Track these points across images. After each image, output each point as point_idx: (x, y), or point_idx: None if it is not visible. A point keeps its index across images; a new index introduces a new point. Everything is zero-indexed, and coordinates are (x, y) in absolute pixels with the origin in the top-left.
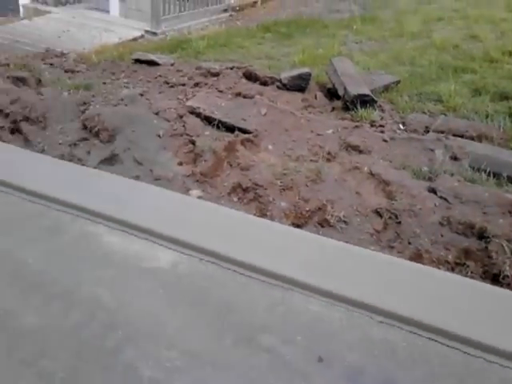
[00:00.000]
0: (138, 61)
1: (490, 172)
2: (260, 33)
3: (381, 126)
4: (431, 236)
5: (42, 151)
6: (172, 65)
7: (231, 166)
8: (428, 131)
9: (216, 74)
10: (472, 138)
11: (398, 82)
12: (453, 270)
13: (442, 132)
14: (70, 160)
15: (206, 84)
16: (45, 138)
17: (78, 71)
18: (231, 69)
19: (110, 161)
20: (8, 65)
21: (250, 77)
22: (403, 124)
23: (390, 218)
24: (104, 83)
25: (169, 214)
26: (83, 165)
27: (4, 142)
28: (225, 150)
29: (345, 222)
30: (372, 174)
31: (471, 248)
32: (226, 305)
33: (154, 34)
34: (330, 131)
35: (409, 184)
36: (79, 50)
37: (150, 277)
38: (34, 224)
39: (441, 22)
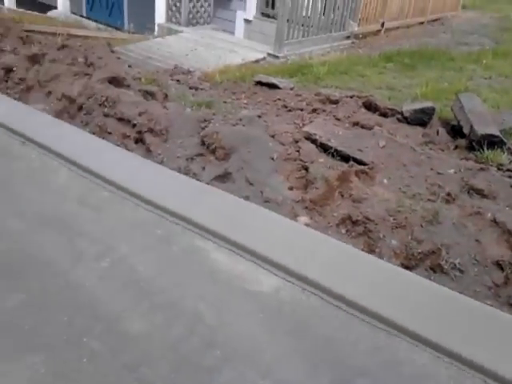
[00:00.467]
0: (259, 83)
1: None
2: (382, 62)
3: (509, 170)
4: None
5: (161, 162)
6: (291, 89)
7: (343, 196)
8: None
9: (335, 102)
10: None
11: None
12: None
13: None
14: (186, 173)
15: (324, 111)
16: (165, 150)
17: (201, 89)
18: (351, 97)
19: (222, 178)
20: (140, 79)
21: (370, 107)
22: None
23: None
24: (225, 102)
25: (275, 239)
26: (197, 179)
27: (128, 150)
28: (338, 180)
29: (460, 270)
30: (496, 222)
31: None
32: (326, 340)
33: (276, 57)
34: (452, 171)
35: None
36: (204, 69)
37: (252, 299)
38: (147, 232)
39: None
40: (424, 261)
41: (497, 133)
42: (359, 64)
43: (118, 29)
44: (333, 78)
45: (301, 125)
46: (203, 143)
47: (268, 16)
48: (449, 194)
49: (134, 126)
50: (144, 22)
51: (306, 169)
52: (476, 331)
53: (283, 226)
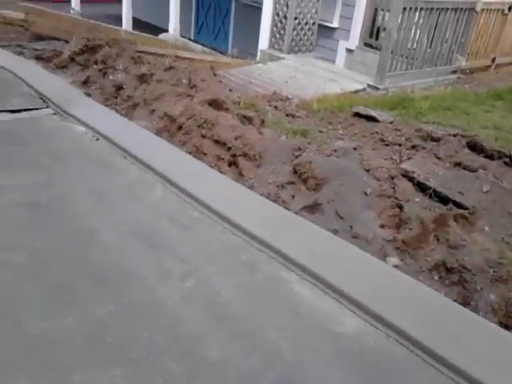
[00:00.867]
0: (356, 114)
1: None
2: (490, 100)
3: None
4: None
5: (252, 187)
6: (391, 123)
7: (438, 240)
8: None
9: (436, 139)
10: None
11: None
12: None
13: None
14: (275, 201)
15: (423, 148)
16: (257, 175)
17: (298, 116)
18: (454, 136)
19: (312, 209)
20: (239, 103)
21: (475, 147)
22: None
23: None
24: (320, 132)
25: (362, 278)
26: (286, 208)
27: (221, 172)
28: (434, 222)
29: None
30: None
31: None
32: None
33: (376, 88)
34: None
35: None
36: (302, 96)
37: (333, 340)
38: (232, 256)
39: None
40: None
41: None
42: (465, 100)
43: (222, 53)
44: (435, 114)
45: (398, 161)
46: (295, 172)
47: (371, 46)
48: None
49: (229, 149)
50: (247, 48)
51: (401, 207)
52: None
53: (371, 266)
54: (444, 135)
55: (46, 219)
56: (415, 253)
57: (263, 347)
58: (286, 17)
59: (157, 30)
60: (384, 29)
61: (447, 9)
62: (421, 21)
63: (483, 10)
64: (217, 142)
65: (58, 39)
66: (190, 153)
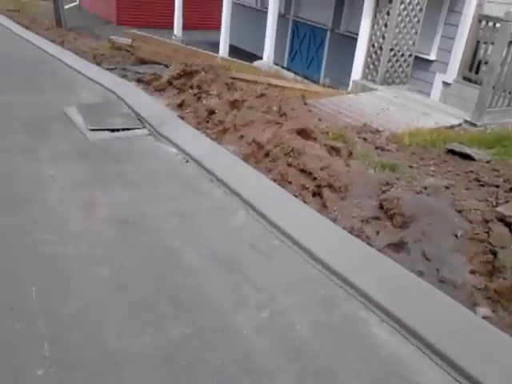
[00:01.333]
0: (450, 151)
1: None
2: None
3: None
4: None
5: (335, 220)
6: (488, 162)
7: None
8: None
9: None
10: None
11: None
12: None
13: None
14: (358, 236)
15: None
16: (341, 208)
17: (387, 150)
18: None
19: (396, 247)
20: (328, 133)
21: None
22: None
23: None
24: (410, 167)
25: (447, 327)
26: (369, 244)
27: (305, 202)
28: None
29: None
30: None
31: None
32: None
33: (474, 124)
34: None
35: None
36: (393, 129)
37: None
38: (311, 289)
39: None
40: None
41: None
42: None
43: (314, 81)
44: None
45: (494, 203)
46: (381, 207)
47: (469, 80)
48: None
49: (315, 179)
50: (339, 77)
51: (495, 254)
52: None
53: (458, 314)
54: None
55: (133, 236)
56: (509, 305)
57: None
58: (381, 48)
59: (251, 56)
60: (486, 62)
61: None
62: None
63: None
64: (302, 171)
65: (159, 64)
66: (274, 180)
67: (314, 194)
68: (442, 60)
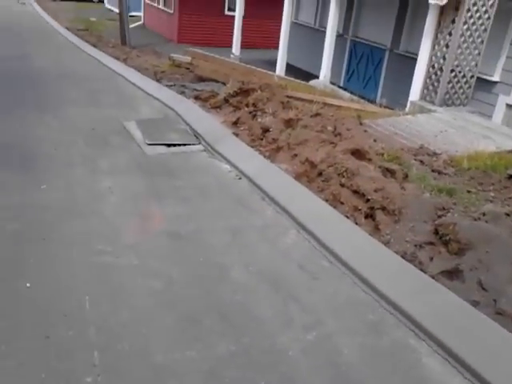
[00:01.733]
0: None
1: None
2: None
3: None
4: None
5: (387, 243)
6: None
7: None
8: None
9: None
10: None
11: None
12: None
13: None
14: (411, 261)
15: None
16: (393, 231)
17: (445, 173)
18: None
19: (451, 274)
20: (383, 154)
21: None
22: None
23: None
24: (469, 192)
25: (505, 364)
26: (422, 270)
27: (356, 223)
28: None
29: None
30: None
31: None
32: None
33: None
34: None
35: None
36: (451, 152)
37: None
38: (359, 314)
39: None
40: None
41: None
42: None
43: (370, 101)
44: None
45: None
46: (436, 232)
47: None
48: None
49: (368, 200)
50: (397, 98)
51: None
52: None
53: None
54: None
55: (184, 250)
56: None
57: None
58: (441, 69)
59: (308, 75)
60: None
61: None
62: None
63: None
64: (355, 192)
65: (217, 81)
66: (326, 200)
67: (366, 216)
68: (507, 81)
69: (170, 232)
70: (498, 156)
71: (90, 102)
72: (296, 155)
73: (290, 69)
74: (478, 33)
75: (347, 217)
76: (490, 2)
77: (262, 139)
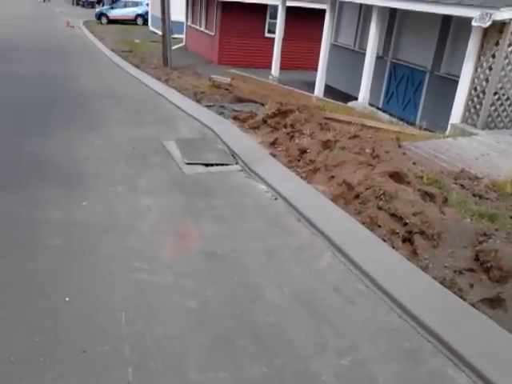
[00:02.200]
0: None
1: None
2: None
3: None
4: None
5: (425, 268)
6: None
7: None
8: None
9: None
10: None
11: None
12: None
13: None
14: (450, 287)
15: None
16: (432, 256)
17: (486, 198)
18: None
19: (492, 303)
20: (422, 177)
21: None
22: None
23: None
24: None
25: None
26: (462, 297)
27: (393, 247)
28: None
29: None
30: None
31: None
32: None
33: None
34: None
35: None
36: (494, 177)
37: None
38: (395, 340)
39: None
40: None
41: None
42: None
43: (410, 124)
44: None
45: None
46: (477, 259)
47: None
48: None
49: (406, 224)
50: (437, 120)
51: None
52: None
53: None
54: None
55: (219, 269)
56: None
57: None
58: (484, 91)
59: (346, 97)
60: None
61: None
62: None
63: None
64: (393, 215)
65: (255, 102)
66: (363, 223)
67: (404, 240)
68: None
69: (205, 251)
70: None
71: (131, 122)
72: (333, 177)
73: (329, 90)
74: None
75: (384, 240)
76: None
77: (299, 160)
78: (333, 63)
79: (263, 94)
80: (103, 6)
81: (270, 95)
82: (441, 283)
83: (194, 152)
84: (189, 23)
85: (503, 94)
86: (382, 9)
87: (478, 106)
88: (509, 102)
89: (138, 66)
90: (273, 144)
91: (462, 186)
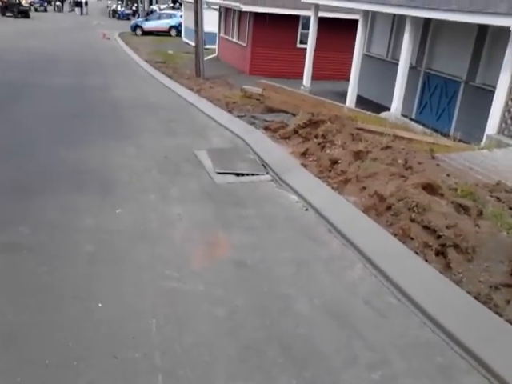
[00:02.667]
0: None
1: None
2: None
3: None
4: None
5: (459, 282)
6: None
7: None
8: None
9: None
10: None
11: None
12: None
13: None
14: (485, 302)
15: None
16: (466, 271)
17: None
18: None
19: None
20: (456, 190)
21: None
22: None
23: None
24: None
25: None
26: (497, 313)
27: (426, 260)
28: None
29: None
30: None
31: None
32: None
33: None
34: None
35: None
36: None
37: None
38: (427, 355)
39: None
40: None
41: None
42: None
43: (443, 134)
44: None
45: None
46: None
47: None
48: None
49: (439, 237)
50: (472, 131)
51: None
52: None
53: None
54: None
55: (249, 279)
56: None
57: None
58: None
59: (379, 107)
60: None
61: None
62: None
63: None
64: (426, 227)
65: (287, 112)
66: (395, 235)
67: (437, 253)
68: None
69: (235, 260)
70: None
71: (164, 131)
72: (365, 188)
73: (361, 100)
74: None
75: (417, 253)
76: None
77: (330, 171)
78: (365, 73)
79: (294, 105)
80: (138, 18)
81: (301, 105)
82: (475, 298)
83: (225, 162)
84: (221, 34)
85: None
86: (415, 19)
87: None
88: None
89: (170, 77)
90: (304, 154)
91: (497, 198)
